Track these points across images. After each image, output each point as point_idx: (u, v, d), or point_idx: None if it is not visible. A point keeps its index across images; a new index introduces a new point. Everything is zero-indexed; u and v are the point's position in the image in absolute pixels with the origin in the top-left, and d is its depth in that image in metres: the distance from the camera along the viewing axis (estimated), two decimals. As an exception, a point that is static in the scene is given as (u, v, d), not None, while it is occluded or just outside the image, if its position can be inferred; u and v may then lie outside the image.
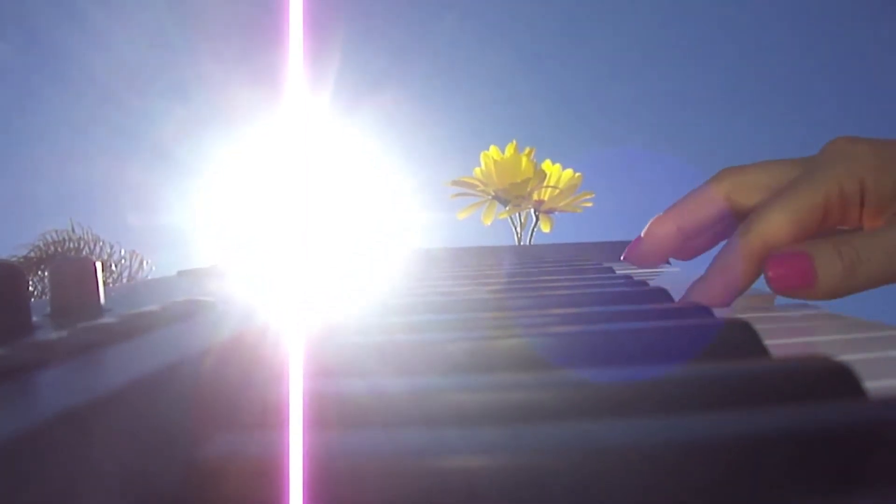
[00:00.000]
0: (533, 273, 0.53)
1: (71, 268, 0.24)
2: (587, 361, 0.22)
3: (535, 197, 1.03)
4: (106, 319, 0.20)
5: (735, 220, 0.39)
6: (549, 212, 1.05)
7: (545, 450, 0.14)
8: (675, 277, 0.51)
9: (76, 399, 0.13)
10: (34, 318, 0.21)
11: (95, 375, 0.15)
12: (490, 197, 1.03)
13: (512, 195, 1.00)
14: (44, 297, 0.29)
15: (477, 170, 1.03)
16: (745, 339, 0.23)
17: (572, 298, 0.36)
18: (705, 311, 0.28)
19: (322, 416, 0.17)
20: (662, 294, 0.35)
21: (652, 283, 0.40)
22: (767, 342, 0.23)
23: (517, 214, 1.05)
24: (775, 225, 0.35)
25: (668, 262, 0.64)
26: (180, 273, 0.48)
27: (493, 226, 1.04)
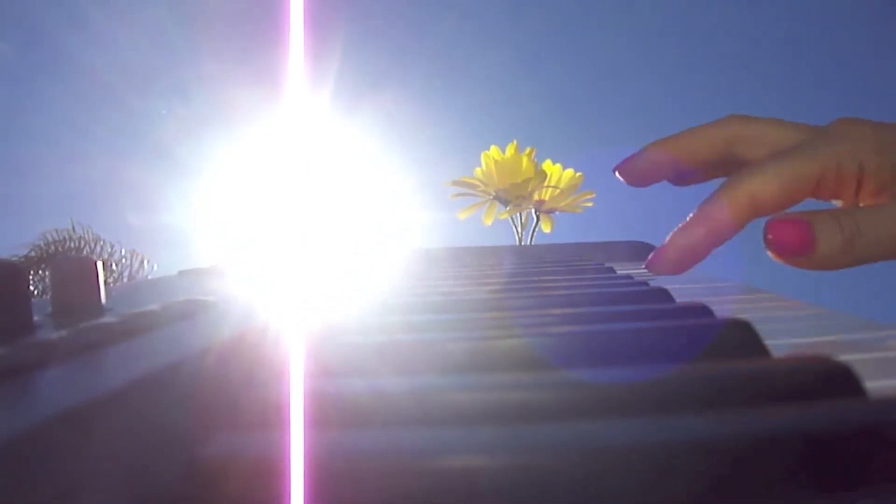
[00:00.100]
0: (533, 273, 0.53)
1: (72, 267, 0.24)
2: (587, 361, 0.22)
3: (536, 197, 1.03)
4: (107, 319, 0.20)
5: (730, 166, 0.39)
6: (549, 212, 1.05)
7: (544, 449, 0.14)
8: (676, 278, 0.51)
9: (77, 399, 0.13)
10: (35, 318, 0.21)
11: (97, 375, 0.15)
12: (491, 197, 1.03)
13: (513, 195, 1.00)
14: (44, 296, 0.29)
15: (477, 170, 1.03)
16: (745, 338, 0.23)
17: (573, 298, 0.36)
18: (706, 311, 0.28)
19: (322, 416, 0.17)
20: (663, 294, 0.35)
21: (652, 284, 0.40)
22: (768, 342, 0.23)
23: (518, 214, 1.05)
24: (765, 184, 0.35)
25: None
26: (181, 273, 0.48)
27: (493, 226, 1.04)
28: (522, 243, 1.05)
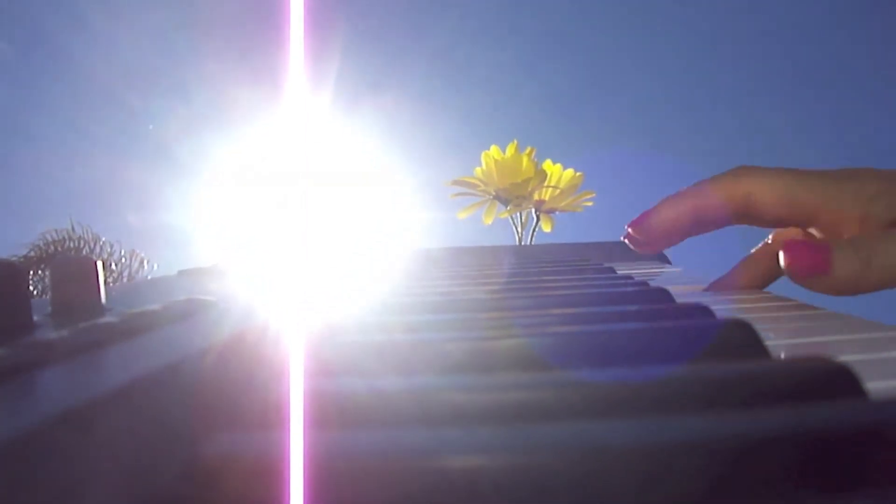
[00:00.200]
0: (533, 273, 0.53)
1: (72, 267, 0.24)
2: (587, 362, 0.22)
3: (536, 197, 1.03)
4: (107, 318, 0.20)
5: (742, 218, 0.40)
6: (549, 211, 1.05)
7: (543, 449, 0.14)
8: (676, 277, 0.51)
9: (77, 399, 0.13)
10: (35, 318, 0.21)
11: (96, 375, 0.15)
12: (491, 197, 1.03)
13: (513, 195, 1.00)
14: (44, 296, 0.29)
15: (478, 169, 1.03)
16: (745, 339, 0.23)
17: (573, 298, 0.36)
18: (706, 311, 0.28)
19: (321, 416, 0.17)
20: (663, 294, 0.35)
21: (652, 284, 0.40)
22: (768, 343, 0.23)
23: (518, 214, 1.05)
24: (767, 189, 0.36)
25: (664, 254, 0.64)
26: (181, 272, 0.48)
27: (493, 225, 1.04)
28: (522, 243, 1.05)
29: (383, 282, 0.50)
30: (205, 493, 0.13)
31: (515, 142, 1.00)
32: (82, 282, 0.24)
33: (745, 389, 0.18)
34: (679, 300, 0.33)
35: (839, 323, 0.31)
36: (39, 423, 0.11)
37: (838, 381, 0.18)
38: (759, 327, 0.23)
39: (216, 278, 0.42)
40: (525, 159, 0.99)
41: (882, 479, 0.13)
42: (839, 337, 0.28)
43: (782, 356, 0.22)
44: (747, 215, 0.39)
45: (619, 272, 0.51)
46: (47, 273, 0.25)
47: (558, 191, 1.03)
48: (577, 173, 1.04)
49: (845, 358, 0.19)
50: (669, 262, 0.68)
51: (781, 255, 0.34)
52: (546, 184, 1.02)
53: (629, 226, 0.42)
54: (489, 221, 1.03)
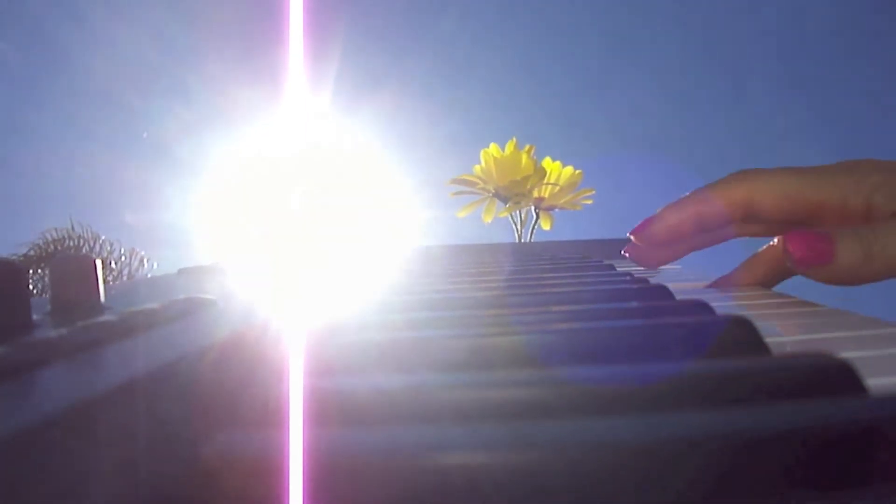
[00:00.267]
0: (533, 270, 0.53)
1: (71, 265, 0.24)
2: (587, 359, 0.22)
3: (536, 194, 1.03)
4: (106, 317, 0.20)
5: (748, 224, 0.40)
6: (549, 209, 1.05)
7: (544, 446, 0.14)
8: (676, 275, 0.51)
9: (76, 398, 0.13)
10: (35, 316, 0.21)
11: (96, 374, 0.15)
12: (490, 194, 1.03)
13: (512, 193, 1.00)
14: (44, 294, 0.29)
15: (477, 167, 1.03)
16: (745, 335, 0.23)
17: (573, 296, 0.36)
18: (706, 307, 0.28)
19: (321, 414, 0.17)
20: (663, 291, 0.35)
21: (652, 281, 0.40)
22: (768, 339, 0.23)
23: (517, 212, 1.05)
24: (767, 189, 0.36)
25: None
26: (181, 271, 0.48)
27: (493, 223, 1.04)
28: (522, 241, 1.05)
29: (383, 280, 0.50)
30: (204, 491, 0.13)
31: (514, 139, 1.00)
32: (82, 280, 0.24)
33: (745, 386, 0.18)
34: (679, 297, 0.33)
35: (839, 319, 0.31)
36: (38, 422, 0.11)
37: (839, 378, 0.18)
38: (759, 324, 0.23)
39: (216, 277, 0.42)
40: (524, 157, 0.99)
41: (882, 477, 0.13)
42: (839, 333, 0.28)
43: (782, 353, 0.22)
44: (751, 220, 0.39)
45: (618, 269, 0.51)
46: (47, 272, 0.25)
47: (557, 188, 1.03)
48: (577, 171, 1.04)
49: (846, 354, 0.19)
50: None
51: (784, 244, 0.34)
52: (545, 181, 1.02)
53: (631, 234, 0.42)
54: (489, 219, 1.03)
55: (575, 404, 0.17)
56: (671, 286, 0.35)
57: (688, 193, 0.40)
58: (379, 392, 0.18)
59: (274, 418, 0.17)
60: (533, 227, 1.06)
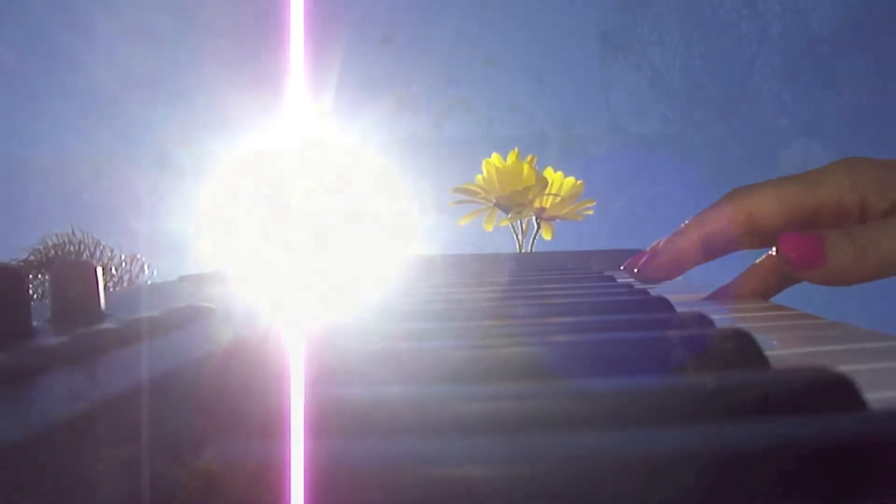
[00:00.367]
0: (533, 281, 0.53)
1: (72, 271, 0.24)
2: (586, 371, 0.22)
3: (537, 204, 1.03)
4: (107, 324, 0.20)
5: (750, 239, 0.40)
6: (550, 219, 1.05)
7: (543, 459, 0.14)
8: (676, 286, 0.51)
9: (76, 405, 0.13)
10: (35, 323, 0.21)
11: (96, 381, 0.15)
12: (492, 204, 1.03)
13: (513, 202, 1.00)
14: (44, 299, 0.29)
15: (479, 177, 1.03)
16: (745, 348, 0.23)
17: (572, 307, 0.36)
18: (706, 320, 0.28)
19: (321, 423, 0.17)
20: (663, 303, 0.35)
21: (653, 293, 0.40)
22: (767, 352, 0.23)
23: (518, 222, 1.05)
24: (764, 202, 0.37)
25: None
26: (181, 278, 0.48)
27: (494, 232, 1.04)
28: (523, 250, 1.05)
29: (384, 288, 0.50)
30: (204, 500, 0.13)
31: (517, 149, 1.00)
32: (82, 287, 0.24)
33: (745, 400, 0.18)
34: (679, 309, 0.33)
35: (839, 332, 0.31)
36: (38, 429, 0.11)
37: (838, 392, 0.18)
38: (759, 337, 0.23)
39: (217, 284, 0.42)
40: (526, 167, 0.99)
41: (882, 492, 0.13)
42: (839, 347, 0.28)
43: (782, 366, 0.22)
44: (754, 234, 0.39)
45: (618, 281, 0.51)
46: (47, 277, 0.25)
47: (559, 199, 1.03)
48: (578, 181, 1.04)
49: (845, 368, 0.19)
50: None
51: (777, 247, 0.34)
52: (547, 191, 1.02)
53: (638, 269, 0.43)
54: (490, 228, 1.03)
55: (572, 417, 0.17)
56: (671, 297, 0.35)
57: (686, 221, 0.41)
58: (378, 402, 0.18)
59: (274, 427, 0.17)
60: (534, 237, 1.06)
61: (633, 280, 0.51)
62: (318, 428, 0.17)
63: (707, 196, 0.40)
